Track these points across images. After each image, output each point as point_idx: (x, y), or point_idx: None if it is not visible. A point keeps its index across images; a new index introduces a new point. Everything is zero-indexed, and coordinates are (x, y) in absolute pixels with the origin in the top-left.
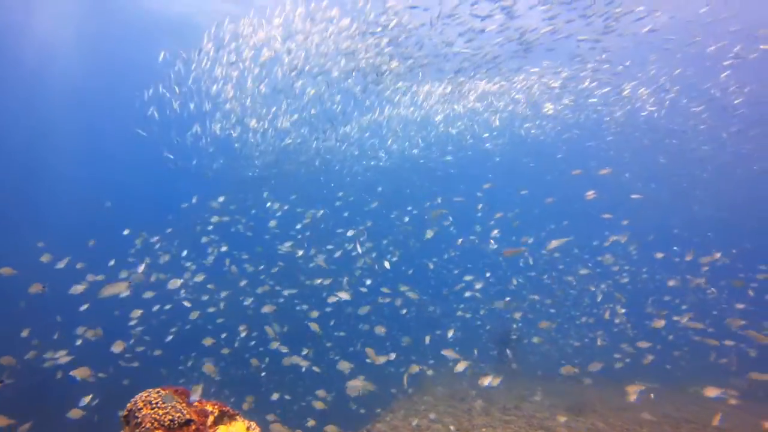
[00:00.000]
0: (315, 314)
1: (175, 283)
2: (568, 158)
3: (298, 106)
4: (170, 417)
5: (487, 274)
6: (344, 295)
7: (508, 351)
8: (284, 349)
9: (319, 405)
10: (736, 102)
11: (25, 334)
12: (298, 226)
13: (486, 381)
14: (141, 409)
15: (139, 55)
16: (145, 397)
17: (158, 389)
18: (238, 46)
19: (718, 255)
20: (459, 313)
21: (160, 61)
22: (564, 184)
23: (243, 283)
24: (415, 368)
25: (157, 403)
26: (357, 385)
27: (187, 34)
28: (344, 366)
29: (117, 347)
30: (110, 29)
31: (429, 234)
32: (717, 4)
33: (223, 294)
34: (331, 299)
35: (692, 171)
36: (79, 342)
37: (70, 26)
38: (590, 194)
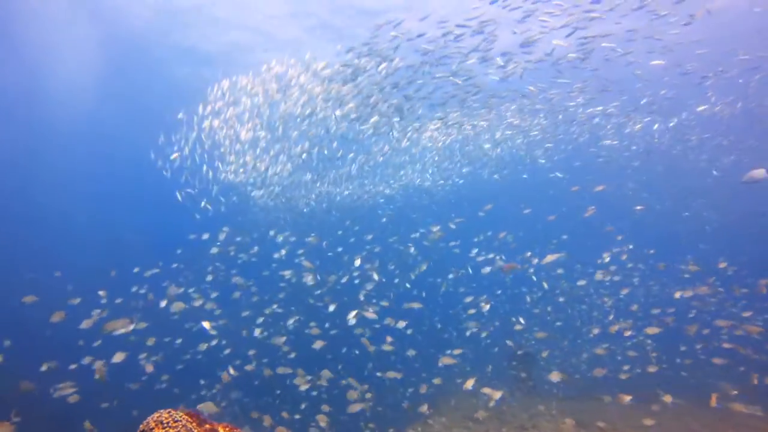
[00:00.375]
0: (316, 331)
1: (179, 306)
2: (570, 176)
3: (298, 149)
4: None
5: (498, 292)
6: (370, 315)
7: (521, 368)
8: (288, 371)
9: (321, 419)
10: (726, 116)
11: (44, 368)
12: (301, 255)
13: (495, 395)
14: (153, 429)
15: (154, 91)
16: (157, 417)
17: (170, 410)
18: (238, 99)
19: (723, 264)
20: (468, 332)
21: (173, 112)
22: (566, 200)
23: (246, 313)
24: (424, 388)
25: (168, 422)
26: (355, 402)
27: (202, 66)
28: (326, 374)
29: (149, 368)
30: (128, 67)
31: (423, 267)
32: (695, 27)
33: (226, 322)
34: (352, 316)
35: (694, 181)
36: (97, 376)
37: (90, 69)
38: (590, 210)
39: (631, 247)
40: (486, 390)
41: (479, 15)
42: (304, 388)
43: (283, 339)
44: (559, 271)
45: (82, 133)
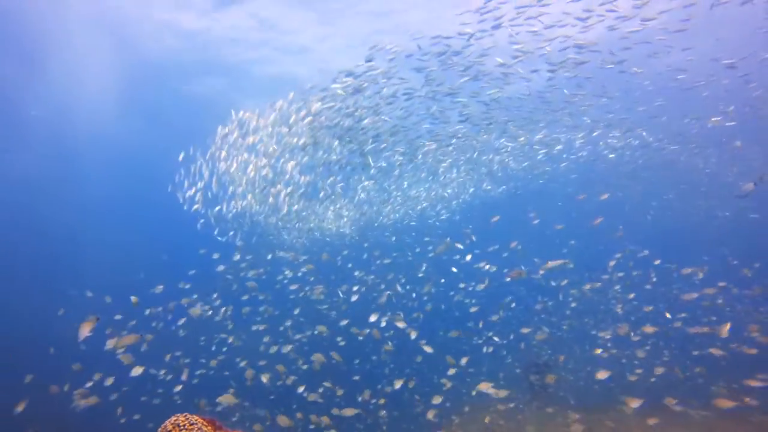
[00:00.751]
0: (323, 329)
1: (196, 311)
2: (582, 184)
3: (303, 179)
4: None
5: (512, 305)
6: (401, 323)
7: (538, 377)
8: (300, 388)
9: (324, 420)
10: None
11: (66, 388)
12: (308, 270)
13: (500, 394)
14: (170, 431)
15: (180, 110)
16: (174, 420)
17: (186, 414)
18: (246, 133)
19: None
20: (482, 342)
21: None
22: (581, 206)
23: (255, 327)
24: (438, 399)
25: (184, 425)
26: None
27: (224, 84)
28: (321, 359)
29: (185, 375)
30: (151, 89)
31: (427, 287)
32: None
33: (234, 338)
34: (371, 317)
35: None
36: (114, 396)
37: (114, 93)
38: (598, 221)
39: (647, 252)
40: (490, 390)
41: (474, 31)
42: (314, 398)
43: (290, 347)
44: (564, 282)
45: (105, 155)
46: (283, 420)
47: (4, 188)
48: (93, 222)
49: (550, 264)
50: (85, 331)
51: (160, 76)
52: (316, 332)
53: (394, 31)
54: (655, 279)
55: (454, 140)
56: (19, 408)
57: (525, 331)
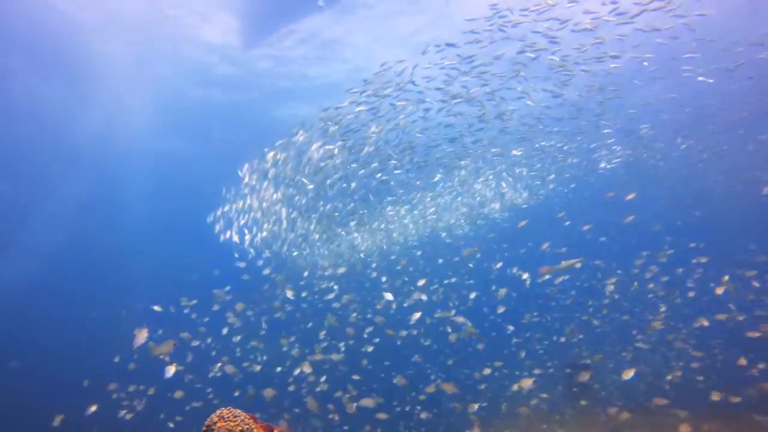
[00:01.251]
0: (350, 330)
1: (238, 308)
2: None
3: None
4: (240, 428)
5: (552, 304)
6: (461, 319)
7: (576, 378)
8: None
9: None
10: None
11: (114, 396)
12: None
13: (527, 387)
14: (216, 422)
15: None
16: (219, 413)
17: (230, 407)
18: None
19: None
20: (519, 340)
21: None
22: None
23: (290, 338)
24: (474, 406)
25: (228, 417)
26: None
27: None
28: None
29: (229, 368)
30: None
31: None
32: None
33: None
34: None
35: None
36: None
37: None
38: (629, 219)
39: (694, 245)
40: (528, 387)
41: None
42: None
43: (320, 356)
44: (582, 285)
45: (152, 175)
46: (312, 404)
47: (64, 214)
48: (146, 242)
49: (564, 264)
50: (141, 338)
51: (204, 96)
52: (349, 342)
53: (441, 26)
54: (700, 272)
55: (490, 152)
56: (92, 409)
57: (567, 332)
